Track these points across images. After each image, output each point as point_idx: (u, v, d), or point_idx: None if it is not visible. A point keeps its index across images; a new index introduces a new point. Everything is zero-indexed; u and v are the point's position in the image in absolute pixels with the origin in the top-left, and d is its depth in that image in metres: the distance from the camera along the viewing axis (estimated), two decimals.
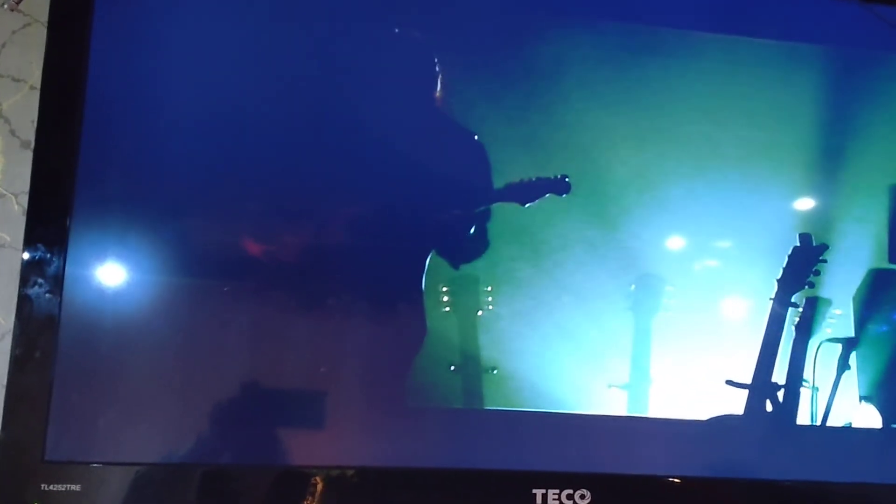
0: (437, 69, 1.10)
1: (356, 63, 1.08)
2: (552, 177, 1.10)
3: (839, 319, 1.19)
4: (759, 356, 1.14)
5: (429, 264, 1.04)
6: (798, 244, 1.18)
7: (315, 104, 1.05)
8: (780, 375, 1.14)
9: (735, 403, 1.11)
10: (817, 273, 1.18)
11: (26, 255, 0.95)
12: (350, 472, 0.99)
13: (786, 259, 1.17)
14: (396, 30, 1.10)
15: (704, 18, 1.20)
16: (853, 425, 1.16)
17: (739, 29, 1.20)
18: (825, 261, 1.18)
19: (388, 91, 1.09)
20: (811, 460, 1.11)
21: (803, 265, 1.18)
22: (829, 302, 1.19)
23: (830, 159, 1.21)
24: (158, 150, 1.00)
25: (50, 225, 0.95)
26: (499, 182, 1.09)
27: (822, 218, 1.21)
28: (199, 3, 1.05)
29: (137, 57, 1.01)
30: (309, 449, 0.99)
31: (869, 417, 1.17)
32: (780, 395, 1.13)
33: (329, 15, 1.08)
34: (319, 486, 0.98)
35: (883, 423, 1.15)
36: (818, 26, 1.23)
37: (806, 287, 1.18)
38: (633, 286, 1.11)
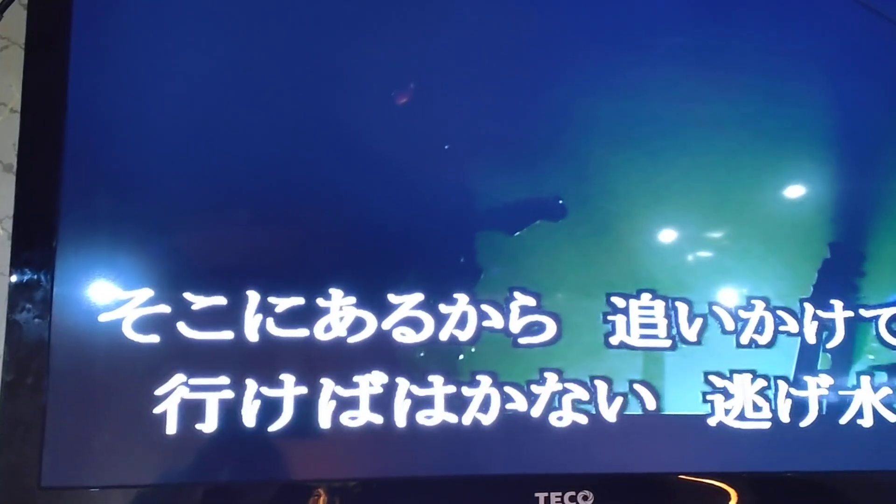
0: (422, 80, 1.09)
1: (337, 74, 1.07)
2: (544, 198, 1.09)
3: (883, 343, 1.14)
4: (790, 386, 1.10)
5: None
6: (828, 256, 1.14)
7: (295, 127, 1.04)
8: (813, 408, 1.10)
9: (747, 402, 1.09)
10: (854, 289, 1.14)
11: (13, 280, 0.94)
12: (352, 484, 0.99)
13: (815, 274, 1.13)
14: (387, 37, 1.09)
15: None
16: None
17: (736, 26, 1.20)
18: (863, 273, 1.15)
19: (372, 101, 1.08)
20: (819, 452, 1.10)
21: (836, 280, 1.13)
22: (868, 322, 1.14)
23: (861, 161, 1.19)
24: (143, 168, 0.99)
25: (36, 248, 0.94)
26: (485, 206, 1.08)
27: (855, 225, 1.17)
28: (177, 20, 1.03)
29: (117, 75, 1.00)
30: (311, 463, 0.99)
31: None
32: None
33: (310, 33, 1.07)
34: (323, 500, 0.97)
35: None
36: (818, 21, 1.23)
37: (841, 306, 1.13)
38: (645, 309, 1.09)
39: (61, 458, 0.92)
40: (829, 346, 1.13)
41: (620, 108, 1.14)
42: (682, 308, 1.09)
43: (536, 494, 1.00)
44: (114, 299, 0.95)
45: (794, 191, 1.18)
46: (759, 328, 1.11)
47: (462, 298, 1.04)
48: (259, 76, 1.04)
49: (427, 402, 1.00)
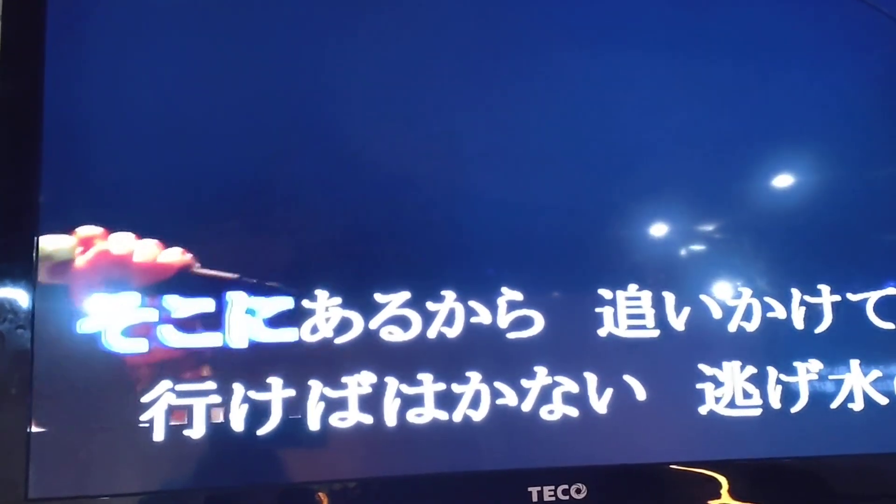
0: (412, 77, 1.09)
1: (320, 74, 1.07)
2: (528, 193, 1.08)
3: (872, 327, 1.14)
4: (780, 372, 1.10)
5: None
6: (815, 241, 1.14)
7: (277, 128, 1.04)
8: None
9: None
10: (842, 273, 1.13)
11: None
12: (344, 485, 0.98)
13: (802, 260, 1.13)
14: (370, 34, 1.08)
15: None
16: None
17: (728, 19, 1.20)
18: (851, 258, 1.15)
19: (356, 100, 1.07)
20: (810, 437, 1.10)
21: (823, 265, 1.13)
22: (857, 306, 1.14)
23: (847, 149, 1.19)
24: (122, 173, 0.99)
25: (15, 258, 0.93)
26: (470, 202, 1.07)
27: (841, 210, 1.17)
28: (153, 27, 1.03)
29: (94, 83, 1.00)
30: (301, 465, 0.98)
31: None
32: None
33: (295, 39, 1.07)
34: (315, 501, 0.97)
35: None
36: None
37: (829, 290, 1.13)
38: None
39: (48, 469, 0.91)
40: (818, 331, 1.13)
41: (607, 102, 1.14)
42: (670, 298, 1.09)
43: (529, 489, 1.00)
44: (95, 308, 0.94)
45: (782, 179, 1.18)
46: (747, 315, 1.11)
47: (449, 295, 1.03)
48: (240, 78, 1.04)
49: (417, 401, 1.00)
